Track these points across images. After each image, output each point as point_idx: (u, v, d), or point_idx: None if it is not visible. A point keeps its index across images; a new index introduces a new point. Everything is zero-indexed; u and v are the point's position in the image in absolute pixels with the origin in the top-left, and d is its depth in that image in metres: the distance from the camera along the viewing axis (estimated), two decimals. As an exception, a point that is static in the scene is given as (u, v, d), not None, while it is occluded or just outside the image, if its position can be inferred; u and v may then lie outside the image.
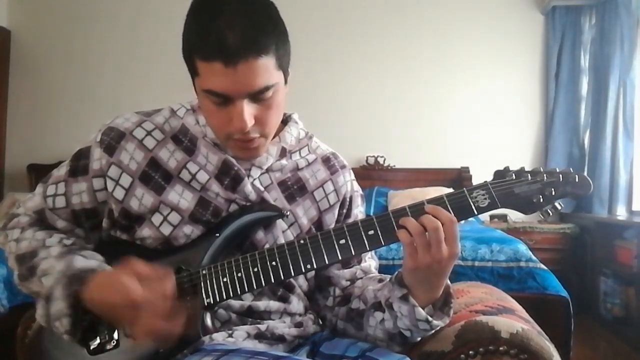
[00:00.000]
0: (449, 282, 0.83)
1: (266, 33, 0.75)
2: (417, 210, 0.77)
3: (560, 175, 0.78)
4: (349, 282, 0.96)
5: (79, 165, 0.88)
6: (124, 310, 0.74)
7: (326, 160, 0.99)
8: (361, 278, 0.97)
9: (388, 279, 0.89)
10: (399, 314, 0.82)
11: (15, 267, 0.87)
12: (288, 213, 0.90)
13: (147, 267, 0.76)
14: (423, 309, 0.80)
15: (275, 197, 0.90)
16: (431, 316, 0.80)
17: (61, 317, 0.78)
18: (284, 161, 0.93)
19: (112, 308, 0.75)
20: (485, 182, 0.79)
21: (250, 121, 0.78)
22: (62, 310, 0.78)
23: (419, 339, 0.86)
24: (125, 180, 0.86)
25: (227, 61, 0.73)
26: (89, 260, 0.83)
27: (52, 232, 0.89)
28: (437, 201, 0.77)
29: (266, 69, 0.76)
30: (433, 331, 0.83)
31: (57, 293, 0.79)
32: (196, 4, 0.77)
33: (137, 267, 0.76)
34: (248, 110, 0.77)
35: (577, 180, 0.77)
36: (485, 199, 0.77)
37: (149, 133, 0.88)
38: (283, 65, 0.80)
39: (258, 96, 0.78)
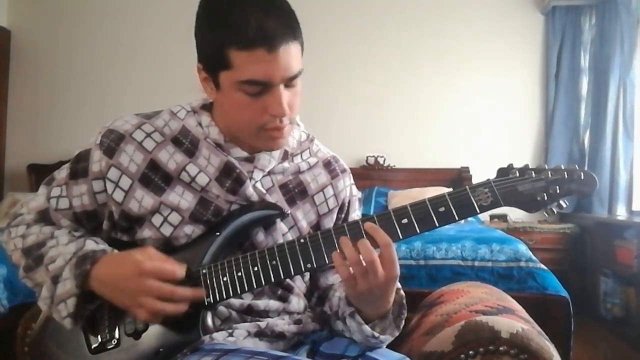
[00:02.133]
0: (402, 293, 0.84)
1: (294, 19, 0.79)
2: (419, 208, 0.77)
3: (565, 173, 0.76)
4: (331, 286, 0.97)
5: (79, 167, 0.88)
6: (131, 282, 0.75)
7: (327, 164, 0.99)
8: None
9: None
10: (351, 329, 0.84)
11: (22, 261, 0.87)
12: (288, 212, 0.90)
13: (162, 255, 0.79)
14: (371, 323, 0.81)
15: (276, 200, 0.90)
16: (379, 330, 0.81)
17: (67, 298, 0.78)
18: (285, 164, 0.93)
19: (119, 281, 0.77)
20: (488, 180, 0.78)
21: (287, 107, 0.80)
22: (70, 291, 0.78)
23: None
24: (125, 182, 0.85)
25: (271, 46, 0.75)
26: (99, 244, 0.85)
27: (60, 226, 0.90)
28: (439, 199, 0.77)
29: (298, 53, 0.80)
30: (385, 343, 0.84)
31: (67, 273, 0.79)
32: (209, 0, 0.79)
33: (151, 251, 0.79)
34: (285, 97, 0.79)
35: (582, 177, 0.76)
36: (488, 197, 0.76)
37: (148, 135, 0.87)
38: (302, 55, 0.83)
39: (291, 82, 0.80)
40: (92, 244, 0.84)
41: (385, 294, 0.78)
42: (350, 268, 0.73)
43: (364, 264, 0.73)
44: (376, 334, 0.81)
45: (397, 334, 0.84)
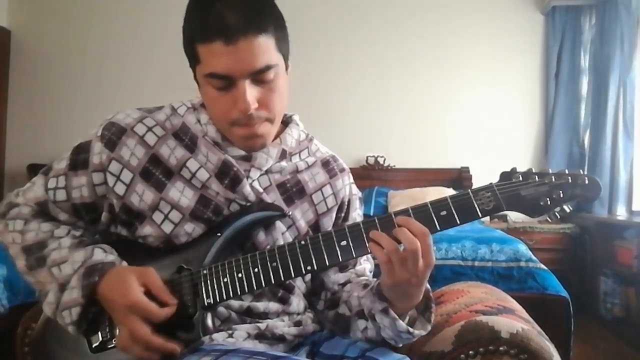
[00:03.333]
0: (428, 286, 0.83)
1: (264, 13, 0.77)
2: (420, 211, 0.77)
3: (569, 178, 0.75)
4: (340, 286, 0.96)
5: (79, 159, 0.88)
6: (119, 310, 0.77)
7: (326, 164, 0.98)
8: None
9: (371, 286, 0.89)
10: (382, 326, 0.83)
11: (22, 258, 0.87)
12: (289, 213, 0.89)
13: (159, 284, 0.79)
14: (404, 317, 0.81)
15: (274, 199, 0.90)
16: (413, 323, 0.81)
17: (72, 307, 0.79)
18: (283, 163, 0.93)
19: (110, 302, 0.78)
20: (491, 183, 0.76)
21: (253, 102, 0.79)
22: (76, 300, 0.79)
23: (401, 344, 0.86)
24: (126, 175, 0.86)
25: (228, 39, 0.74)
26: (108, 254, 0.85)
27: (58, 223, 0.90)
28: (441, 203, 0.76)
29: (267, 48, 0.77)
30: (416, 338, 0.83)
31: (74, 282, 0.80)
32: None
33: (150, 278, 0.79)
34: (251, 92, 0.78)
35: (586, 182, 0.74)
36: (491, 201, 0.75)
37: (150, 129, 0.88)
38: (282, 50, 0.82)
39: (260, 77, 0.79)
40: (100, 254, 0.84)
41: (421, 282, 0.77)
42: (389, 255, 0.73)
43: (401, 253, 0.73)
44: (411, 329, 0.80)
45: (429, 328, 0.83)
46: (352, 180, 1.02)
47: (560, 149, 3.74)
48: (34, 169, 4.02)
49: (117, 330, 0.82)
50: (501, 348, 0.80)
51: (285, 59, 0.84)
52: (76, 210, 0.90)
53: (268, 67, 0.78)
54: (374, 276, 0.92)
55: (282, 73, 0.83)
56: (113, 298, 0.78)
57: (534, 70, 3.92)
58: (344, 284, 0.96)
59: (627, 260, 2.97)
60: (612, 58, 3.42)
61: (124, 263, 0.84)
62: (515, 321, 0.85)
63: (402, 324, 0.80)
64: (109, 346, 0.82)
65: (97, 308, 0.81)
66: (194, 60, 0.80)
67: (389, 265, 0.74)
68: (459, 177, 3.77)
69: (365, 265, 1.00)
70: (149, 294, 0.78)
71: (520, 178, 0.76)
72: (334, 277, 0.96)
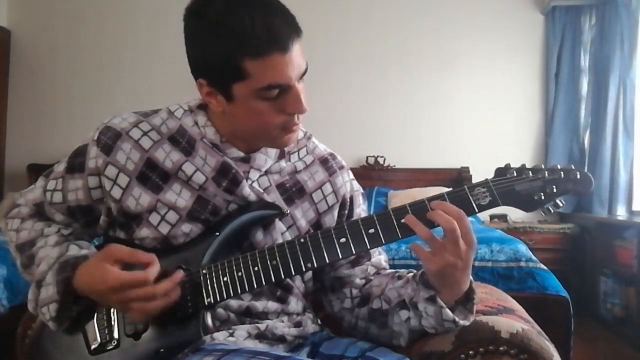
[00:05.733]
0: (471, 277, 0.83)
1: (292, 14, 0.78)
2: (418, 208, 0.78)
3: (562, 172, 0.78)
4: (363, 281, 0.96)
5: (76, 162, 0.89)
6: (111, 297, 0.76)
7: (324, 162, 0.98)
8: (373, 275, 0.97)
9: (408, 276, 0.89)
10: (424, 314, 0.83)
11: (18, 257, 0.90)
12: (288, 211, 0.89)
13: (127, 252, 0.79)
14: (449, 308, 0.81)
15: (274, 200, 0.90)
16: (452, 312, 0.81)
17: (49, 303, 0.81)
18: (282, 163, 0.93)
19: (101, 296, 0.78)
20: (486, 179, 0.79)
21: (305, 102, 0.80)
22: (52, 297, 0.81)
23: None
24: (123, 180, 0.86)
25: (284, 48, 0.74)
26: (82, 249, 0.86)
27: (51, 223, 0.92)
28: (437, 199, 0.77)
29: (303, 47, 0.79)
30: (458, 329, 0.83)
31: (49, 278, 0.82)
32: (202, 12, 0.76)
33: (117, 253, 0.78)
34: (302, 93, 0.80)
35: (578, 177, 0.77)
36: (486, 196, 0.77)
37: (145, 134, 0.87)
38: None
39: (302, 77, 0.80)
40: (74, 250, 0.85)
41: (466, 265, 0.77)
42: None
43: (438, 240, 0.75)
44: (457, 319, 0.80)
45: (471, 318, 0.83)
46: (352, 176, 1.02)
47: (560, 149, 3.74)
48: (34, 169, 4.02)
49: (116, 330, 0.82)
50: (501, 348, 0.80)
51: None
52: (71, 212, 0.90)
53: (307, 66, 0.80)
54: (416, 268, 0.92)
55: None
56: (96, 289, 0.78)
57: (533, 70, 3.92)
58: (364, 278, 0.96)
59: (627, 260, 2.98)
60: (612, 58, 3.42)
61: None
62: (515, 321, 0.85)
63: (449, 313, 0.80)
64: (109, 348, 0.82)
65: (80, 306, 0.82)
66: (235, 77, 0.76)
67: (430, 252, 0.76)
68: (459, 177, 3.77)
69: (380, 257, 1.00)
70: (126, 266, 0.78)
71: (515, 174, 0.79)
72: (352, 272, 0.96)
